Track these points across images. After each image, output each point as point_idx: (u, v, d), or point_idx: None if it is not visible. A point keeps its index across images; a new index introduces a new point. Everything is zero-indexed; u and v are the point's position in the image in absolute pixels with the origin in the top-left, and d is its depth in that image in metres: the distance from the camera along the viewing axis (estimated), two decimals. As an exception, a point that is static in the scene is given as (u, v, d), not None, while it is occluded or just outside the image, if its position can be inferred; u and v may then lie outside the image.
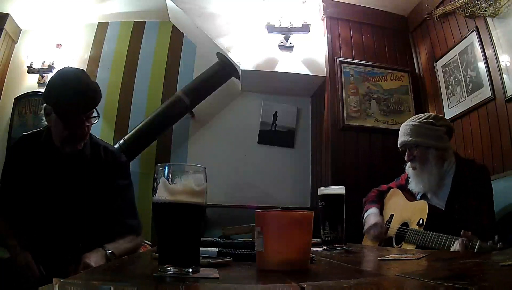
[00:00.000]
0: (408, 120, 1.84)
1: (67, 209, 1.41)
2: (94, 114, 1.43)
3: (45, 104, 1.41)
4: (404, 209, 1.80)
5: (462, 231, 1.25)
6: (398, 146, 1.84)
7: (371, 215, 1.89)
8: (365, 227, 1.87)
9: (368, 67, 3.01)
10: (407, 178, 1.89)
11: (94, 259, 1.25)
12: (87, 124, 1.42)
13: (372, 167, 2.77)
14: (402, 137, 1.81)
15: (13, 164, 1.49)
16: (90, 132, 1.50)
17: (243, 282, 0.65)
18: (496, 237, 1.13)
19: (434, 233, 1.44)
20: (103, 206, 1.46)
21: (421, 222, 1.59)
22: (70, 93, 1.35)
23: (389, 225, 1.83)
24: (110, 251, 1.31)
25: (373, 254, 1.22)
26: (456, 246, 1.27)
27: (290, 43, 2.99)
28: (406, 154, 1.81)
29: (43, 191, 1.42)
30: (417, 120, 1.78)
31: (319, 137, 3.14)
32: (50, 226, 1.40)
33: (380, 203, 1.99)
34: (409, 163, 1.82)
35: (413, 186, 1.81)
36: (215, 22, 3.09)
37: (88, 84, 1.42)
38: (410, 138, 1.76)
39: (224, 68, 3.15)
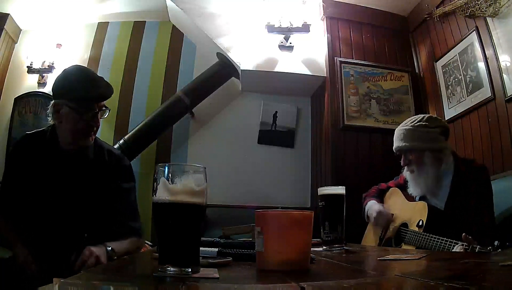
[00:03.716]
0: (402, 123, 1.82)
1: (68, 209, 1.42)
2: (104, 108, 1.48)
3: (53, 101, 1.43)
4: (403, 209, 1.80)
5: (463, 234, 1.25)
6: (394, 151, 1.83)
7: (373, 205, 1.90)
8: (371, 216, 1.87)
9: (368, 67, 3.01)
10: (406, 178, 1.89)
11: (96, 249, 1.25)
12: (99, 116, 1.45)
13: (372, 167, 2.77)
14: (396, 142, 1.80)
15: (15, 162, 1.49)
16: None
17: (243, 282, 0.65)
18: (496, 243, 1.13)
19: (434, 236, 1.44)
20: (105, 207, 1.46)
21: (420, 223, 1.59)
22: (87, 82, 1.42)
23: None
24: (111, 247, 1.31)
25: (373, 254, 1.22)
26: (456, 250, 1.27)
27: (290, 43, 2.99)
28: (402, 159, 1.80)
29: (45, 190, 1.42)
30: (410, 124, 1.76)
31: (319, 137, 3.14)
32: (51, 225, 1.40)
33: (380, 199, 1.99)
34: (406, 167, 1.81)
35: (412, 189, 1.81)
36: (215, 22, 3.09)
37: (99, 76, 1.49)
38: (404, 143, 1.75)
39: (224, 68, 3.16)
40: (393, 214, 1.85)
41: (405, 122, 1.82)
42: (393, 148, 1.83)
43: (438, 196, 1.72)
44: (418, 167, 1.75)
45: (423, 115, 1.81)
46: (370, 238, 1.94)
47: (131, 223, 1.50)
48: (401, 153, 1.80)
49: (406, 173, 1.84)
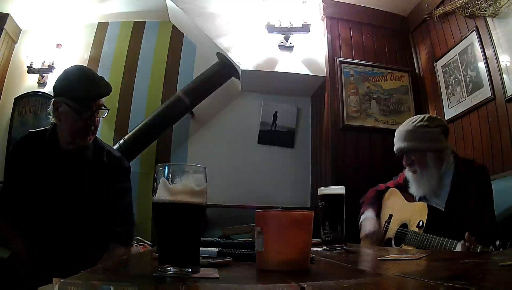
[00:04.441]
0: (402, 124, 1.81)
1: (66, 208, 1.42)
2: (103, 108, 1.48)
3: (53, 99, 1.44)
4: (403, 210, 1.79)
5: (467, 234, 1.24)
6: (395, 152, 1.82)
7: (367, 221, 1.87)
8: (362, 233, 1.85)
9: (368, 67, 3.01)
10: (405, 178, 1.88)
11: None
12: (97, 116, 1.44)
13: (372, 167, 2.77)
14: (397, 143, 1.79)
15: (16, 161, 1.49)
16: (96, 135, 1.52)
17: (243, 282, 0.65)
18: (497, 243, 1.13)
19: (435, 236, 1.43)
20: (100, 207, 1.46)
21: (420, 224, 1.59)
22: (86, 81, 1.43)
23: (388, 226, 1.83)
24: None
25: (373, 254, 1.22)
26: (457, 249, 1.27)
27: (290, 43, 2.99)
28: (404, 159, 1.79)
29: (44, 190, 1.42)
30: (411, 125, 1.75)
31: (319, 137, 3.14)
32: (50, 224, 1.40)
33: (378, 204, 1.98)
34: (408, 168, 1.81)
35: (414, 190, 1.79)
36: (215, 22, 3.09)
37: (99, 76, 1.51)
38: (406, 144, 1.74)
39: (224, 68, 3.15)
40: (391, 217, 1.84)
41: (405, 122, 1.81)
42: (394, 150, 1.82)
43: (438, 196, 1.72)
44: (421, 168, 1.74)
45: (423, 115, 1.80)
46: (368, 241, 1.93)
47: (121, 228, 1.50)
48: (402, 154, 1.79)
49: (408, 174, 1.83)
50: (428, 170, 1.72)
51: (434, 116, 1.85)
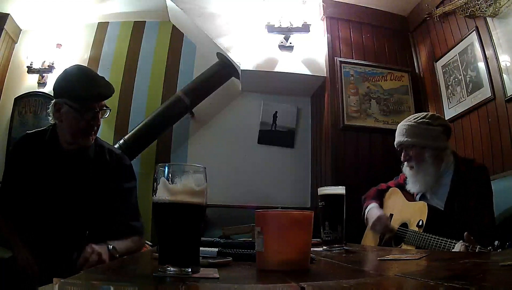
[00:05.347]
0: (405, 119, 1.83)
1: (69, 209, 1.41)
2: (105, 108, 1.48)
3: (54, 100, 1.43)
4: (403, 209, 1.80)
5: (466, 233, 1.24)
6: (395, 146, 1.84)
7: (372, 209, 1.89)
8: (370, 222, 1.86)
9: (368, 67, 3.01)
10: (406, 177, 1.89)
11: (98, 247, 1.26)
12: (100, 116, 1.45)
13: (372, 167, 2.77)
14: (398, 137, 1.81)
15: (15, 162, 1.49)
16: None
17: (243, 282, 0.65)
18: (496, 243, 1.13)
19: (434, 236, 1.44)
20: (106, 206, 1.46)
21: (420, 223, 1.59)
22: (87, 81, 1.43)
23: (388, 225, 1.83)
24: (112, 245, 1.31)
25: (373, 254, 1.22)
26: (456, 250, 1.27)
27: (290, 43, 2.99)
28: (402, 154, 1.81)
29: (45, 190, 1.42)
30: (413, 120, 1.77)
31: (319, 137, 3.14)
32: (52, 225, 1.40)
33: (380, 201, 1.99)
34: (406, 163, 1.82)
35: (410, 186, 1.82)
36: (215, 22, 3.09)
37: (99, 76, 1.50)
38: (406, 139, 1.76)
39: (224, 68, 3.16)
40: (391, 216, 1.85)
41: (408, 118, 1.83)
42: (394, 143, 1.84)
43: (438, 195, 1.72)
44: (418, 164, 1.75)
45: (426, 112, 1.82)
46: (370, 238, 1.94)
47: (132, 223, 1.50)
48: (402, 149, 1.81)
49: (405, 169, 1.85)
50: (424, 167, 1.73)
51: (437, 115, 1.86)
